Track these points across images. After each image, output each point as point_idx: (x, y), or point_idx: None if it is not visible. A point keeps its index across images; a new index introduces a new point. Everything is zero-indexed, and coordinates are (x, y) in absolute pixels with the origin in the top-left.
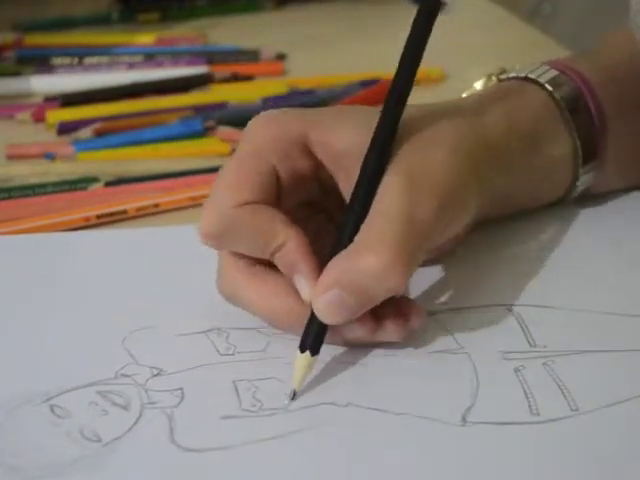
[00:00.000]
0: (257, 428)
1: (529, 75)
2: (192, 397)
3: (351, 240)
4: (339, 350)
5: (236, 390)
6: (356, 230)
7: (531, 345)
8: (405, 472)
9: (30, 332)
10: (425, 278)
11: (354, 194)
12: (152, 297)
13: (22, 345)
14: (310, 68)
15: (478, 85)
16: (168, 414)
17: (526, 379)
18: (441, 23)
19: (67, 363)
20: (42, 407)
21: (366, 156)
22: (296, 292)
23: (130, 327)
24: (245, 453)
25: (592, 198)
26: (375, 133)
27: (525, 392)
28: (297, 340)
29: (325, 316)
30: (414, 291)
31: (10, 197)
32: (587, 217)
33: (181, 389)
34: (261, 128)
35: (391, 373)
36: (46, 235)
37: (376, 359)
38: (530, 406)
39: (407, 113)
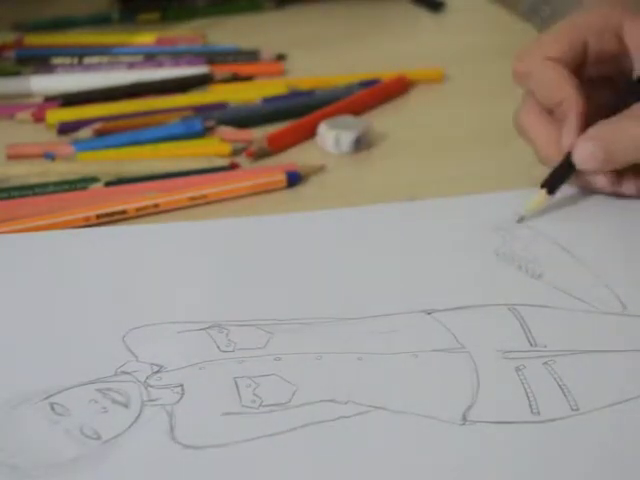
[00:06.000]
0: (257, 425)
1: None
2: (192, 394)
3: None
4: (340, 347)
5: (236, 387)
6: (628, 106)
7: (532, 345)
8: (405, 470)
9: (30, 330)
10: (426, 277)
11: None
12: (152, 294)
13: (22, 343)
14: (310, 68)
15: None
16: (168, 411)
17: (527, 378)
18: (441, 23)
19: (67, 361)
20: (42, 405)
21: None
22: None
23: (130, 324)
24: (245, 450)
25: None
26: None
27: (526, 391)
28: (297, 336)
29: (579, 160)
30: (416, 290)
31: (10, 197)
32: (590, 216)
33: (181, 386)
34: (586, 11)
35: (392, 371)
36: (45, 233)
37: (377, 356)
38: (531, 405)
39: None
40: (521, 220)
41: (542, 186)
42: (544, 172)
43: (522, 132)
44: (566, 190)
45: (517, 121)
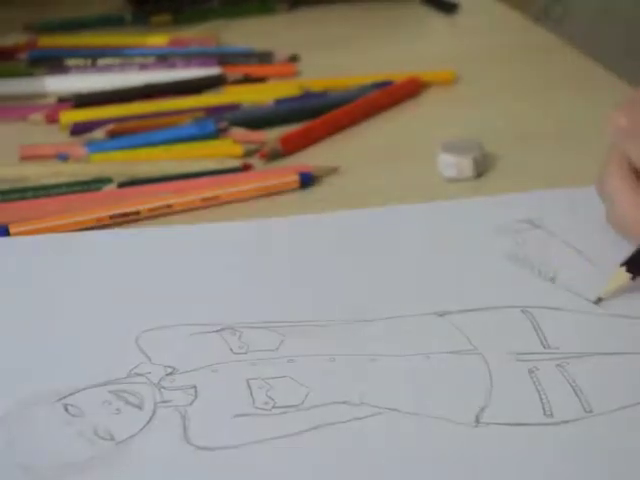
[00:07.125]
0: (270, 426)
1: None
2: (205, 396)
3: None
4: (353, 349)
5: (249, 388)
6: None
7: (545, 347)
8: (418, 472)
9: (44, 331)
10: (439, 279)
11: None
12: (165, 296)
13: (36, 344)
14: (323, 70)
15: None
16: (181, 413)
17: (540, 380)
18: (453, 25)
19: (81, 362)
20: (56, 406)
21: None
22: None
23: (143, 326)
24: (258, 451)
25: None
26: None
27: (539, 393)
28: (310, 338)
29: None
30: (429, 292)
31: (24, 198)
32: (604, 218)
33: (194, 388)
34: None
35: (404, 373)
36: (60, 235)
37: (390, 358)
38: (544, 407)
39: None
40: (598, 302)
41: (623, 264)
42: (560, 174)
43: (605, 196)
44: (580, 191)
45: (602, 184)
